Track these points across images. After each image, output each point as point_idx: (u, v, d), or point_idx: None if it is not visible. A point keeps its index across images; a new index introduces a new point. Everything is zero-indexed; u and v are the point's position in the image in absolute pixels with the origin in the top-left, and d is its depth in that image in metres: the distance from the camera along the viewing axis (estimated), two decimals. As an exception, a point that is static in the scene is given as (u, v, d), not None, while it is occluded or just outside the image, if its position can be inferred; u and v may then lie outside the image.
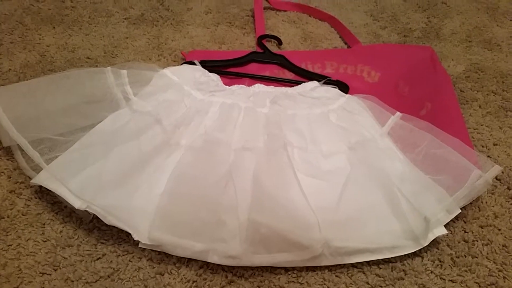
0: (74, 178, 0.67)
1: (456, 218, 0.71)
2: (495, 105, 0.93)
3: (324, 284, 0.65)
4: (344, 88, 0.90)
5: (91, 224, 0.68)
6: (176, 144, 0.75)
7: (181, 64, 0.92)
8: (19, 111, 0.73)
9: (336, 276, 0.66)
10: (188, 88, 0.84)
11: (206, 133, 0.76)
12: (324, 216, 0.65)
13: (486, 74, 1.00)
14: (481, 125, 0.89)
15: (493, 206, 0.75)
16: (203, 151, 0.73)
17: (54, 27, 1.05)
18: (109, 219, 0.64)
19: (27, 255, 0.65)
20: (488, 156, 0.83)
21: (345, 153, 0.76)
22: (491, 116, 0.91)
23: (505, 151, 0.84)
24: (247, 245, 0.63)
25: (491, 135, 0.87)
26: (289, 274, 0.65)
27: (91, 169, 0.69)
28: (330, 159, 0.75)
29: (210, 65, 0.92)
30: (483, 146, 0.85)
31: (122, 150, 0.72)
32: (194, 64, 0.90)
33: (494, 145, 0.85)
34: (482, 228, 0.72)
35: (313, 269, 0.66)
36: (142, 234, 0.64)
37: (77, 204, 0.65)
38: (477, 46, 1.09)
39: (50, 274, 0.63)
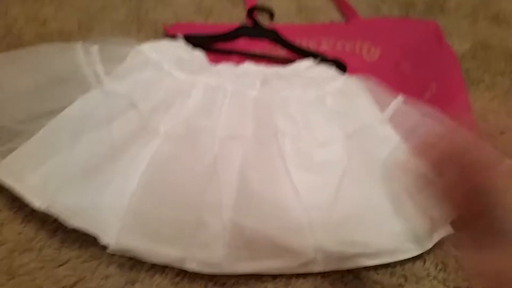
0: (34, 173, 0.59)
1: (463, 216, 0.65)
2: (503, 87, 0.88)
3: (316, 292, 0.59)
4: (341, 67, 0.83)
5: (56, 224, 0.60)
6: (154, 131, 0.67)
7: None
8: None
9: (330, 283, 0.60)
10: (169, 67, 0.76)
11: (188, 119, 0.69)
12: (317, 215, 0.59)
13: (494, 53, 0.94)
14: (488, 110, 0.83)
15: (502, 202, 0.70)
16: (184, 140, 0.66)
17: (22, -4, 0.96)
18: (72, 222, 0.57)
19: (-22, 263, 0.57)
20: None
21: (341, 142, 0.70)
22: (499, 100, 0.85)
23: (515, 141, 0.79)
24: (229, 250, 0.56)
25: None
26: (276, 282, 0.59)
27: (54, 161, 0.61)
28: (325, 149, 0.69)
29: (195, 40, 0.84)
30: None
31: (91, 138, 0.64)
32: (176, 38, 0.83)
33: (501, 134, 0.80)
34: (490, 226, 0.67)
35: (304, 276, 0.60)
36: (111, 236, 0.57)
37: (36, 203, 0.57)
38: (484, 21, 1.02)
39: (3, 285, 0.56)
